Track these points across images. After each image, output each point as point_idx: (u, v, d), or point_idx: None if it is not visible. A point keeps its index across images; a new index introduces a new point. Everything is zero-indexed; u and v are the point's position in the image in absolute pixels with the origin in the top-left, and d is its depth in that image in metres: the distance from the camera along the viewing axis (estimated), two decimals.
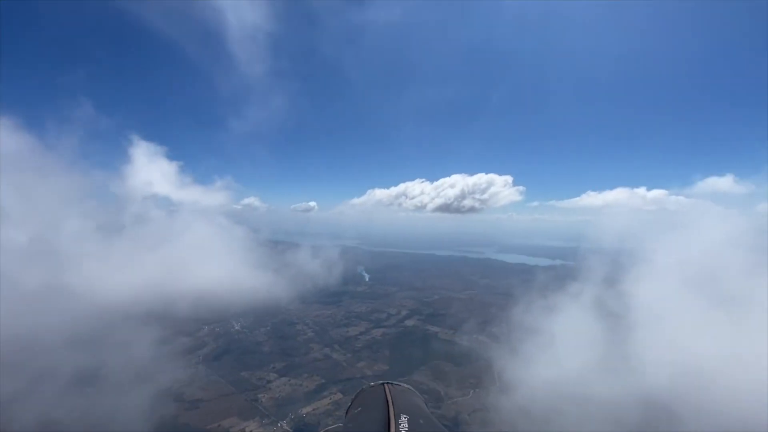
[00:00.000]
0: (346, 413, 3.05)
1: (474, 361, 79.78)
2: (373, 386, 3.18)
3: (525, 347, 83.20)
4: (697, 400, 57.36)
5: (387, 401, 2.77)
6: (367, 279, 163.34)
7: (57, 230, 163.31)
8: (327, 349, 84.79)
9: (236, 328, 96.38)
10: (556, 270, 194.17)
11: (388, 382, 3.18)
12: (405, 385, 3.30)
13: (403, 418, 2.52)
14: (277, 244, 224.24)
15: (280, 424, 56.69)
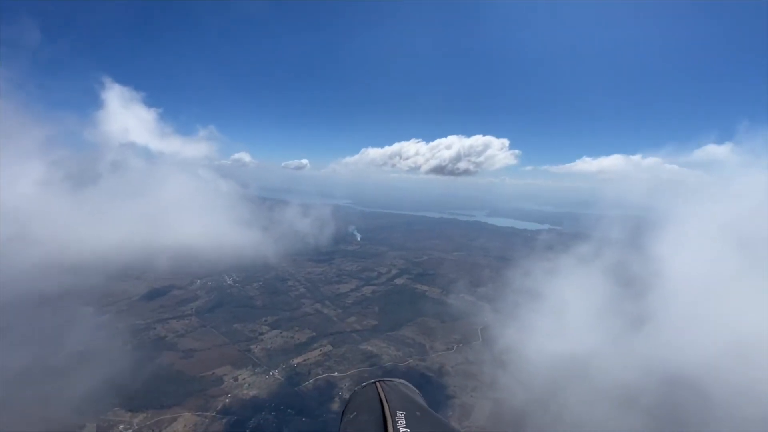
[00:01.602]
0: (341, 419, 2.90)
1: (459, 319, 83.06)
2: (365, 386, 3.05)
3: (508, 307, 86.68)
4: (736, 381, 50.05)
5: (381, 400, 2.69)
6: (358, 238, 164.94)
7: (20, 179, 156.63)
8: (318, 304, 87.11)
9: (228, 282, 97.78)
10: (544, 234, 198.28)
11: (380, 380, 3.04)
12: (397, 380, 3.16)
13: (400, 415, 2.45)
14: (267, 201, 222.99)
15: (272, 373, 59.27)
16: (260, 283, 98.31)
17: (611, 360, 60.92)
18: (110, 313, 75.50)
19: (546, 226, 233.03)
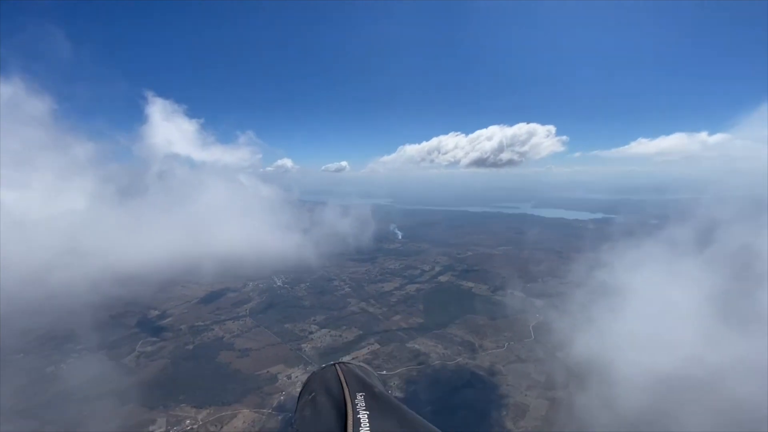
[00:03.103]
0: (299, 399, 2.90)
1: (509, 316, 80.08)
2: (324, 368, 3.06)
3: (561, 302, 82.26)
4: None
5: (341, 382, 2.67)
6: (399, 236, 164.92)
7: (77, 196, 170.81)
8: (363, 303, 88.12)
9: (278, 284, 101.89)
10: (597, 224, 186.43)
11: (339, 362, 3.06)
12: (357, 363, 3.16)
13: (360, 397, 2.43)
14: (309, 204, 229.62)
15: None
16: (307, 284, 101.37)
17: (672, 352, 55.63)
18: (172, 316, 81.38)
19: (599, 215, 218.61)
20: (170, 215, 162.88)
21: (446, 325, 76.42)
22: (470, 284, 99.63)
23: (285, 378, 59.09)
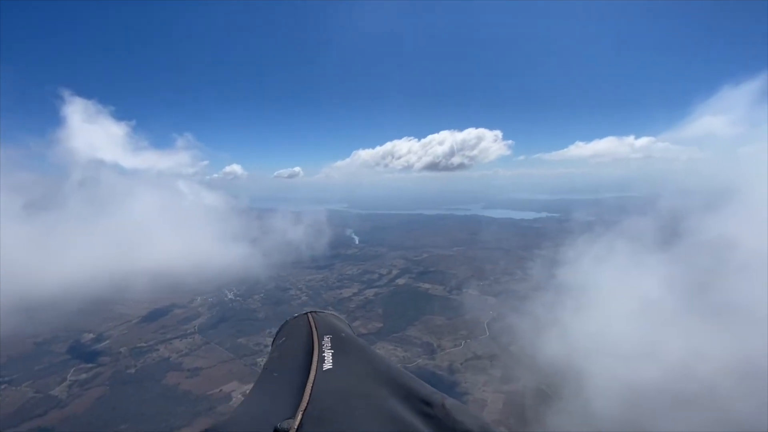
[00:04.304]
0: (272, 345, 3.06)
1: (465, 314, 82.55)
2: (296, 317, 3.20)
3: (512, 298, 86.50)
4: None
5: (311, 326, 2.81)
6: (357, 241, 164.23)
7: None
8: None
9: (229, 297, 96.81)
10: (541, 222, 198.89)
11: (312, 311, 3.19)
12: (329, 311, 3.33)
13: (326, 339, 2.60)
14: (261, 212, 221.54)
15: None
16: (261, 295, 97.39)
17: (622, 347, 60.26)
18: (110, 338, 74.33)
19: (543, 214, 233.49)
20: (96, 228, 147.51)
21: (405, 328, 77.06)
22: (427, 286, 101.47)
23: (240, 396, 56.05)
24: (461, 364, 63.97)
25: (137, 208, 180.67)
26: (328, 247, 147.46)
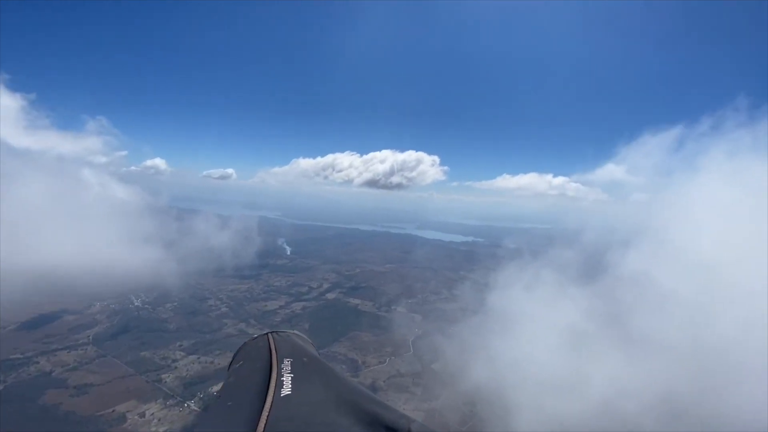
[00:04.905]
0: (229, 368, 2.80)
1: (391, 331, 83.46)
2: (256, 338, 2.94)
3: (438, 316, 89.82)
4: None
5: (270, 349, 2.61)
6: (288, 252, 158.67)
7: None
8: (242, 324, 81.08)
9: (136, 304, 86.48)
10: (468, 246, 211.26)
11: (272, 331, 2.95)
12: (291, 331, 3.11)
13: (286, 362, 2.42)
14: (183, 213, 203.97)
15: (188, 404, 53.16)
16: (175, 304, 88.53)
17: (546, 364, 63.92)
18: None
19: (470, 239, 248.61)
20: None
21: (332, 344, 75.44)
22: (357, 301, 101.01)
23: (137, 417, 49.78)
24: (384, 381, 64.15)
25: (24, 195, 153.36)
26: (256, 256, 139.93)
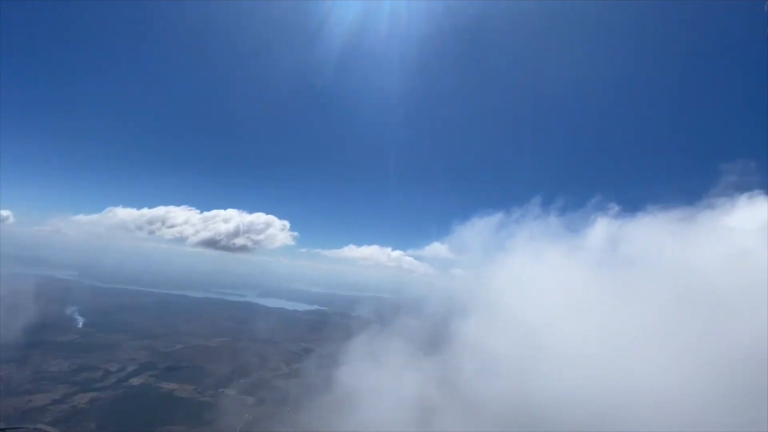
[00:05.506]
0: None
1: (214, 420, 71.68)
2: None
3: (272, 397, 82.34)
4: None
5: None
6: (80, 324, 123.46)
7: None
8: None
9: None
10: (311, 315, 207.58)
11: (10, 428, 2.85)
12: (36, 426, 3.03)
13: None
14: None
15: None
16: None
17: None
18: None
19: (314, 307, 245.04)
20: None
21: None
22: (173, 386, 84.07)
23: None
24: None
25: None
26: (26, 330, 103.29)
